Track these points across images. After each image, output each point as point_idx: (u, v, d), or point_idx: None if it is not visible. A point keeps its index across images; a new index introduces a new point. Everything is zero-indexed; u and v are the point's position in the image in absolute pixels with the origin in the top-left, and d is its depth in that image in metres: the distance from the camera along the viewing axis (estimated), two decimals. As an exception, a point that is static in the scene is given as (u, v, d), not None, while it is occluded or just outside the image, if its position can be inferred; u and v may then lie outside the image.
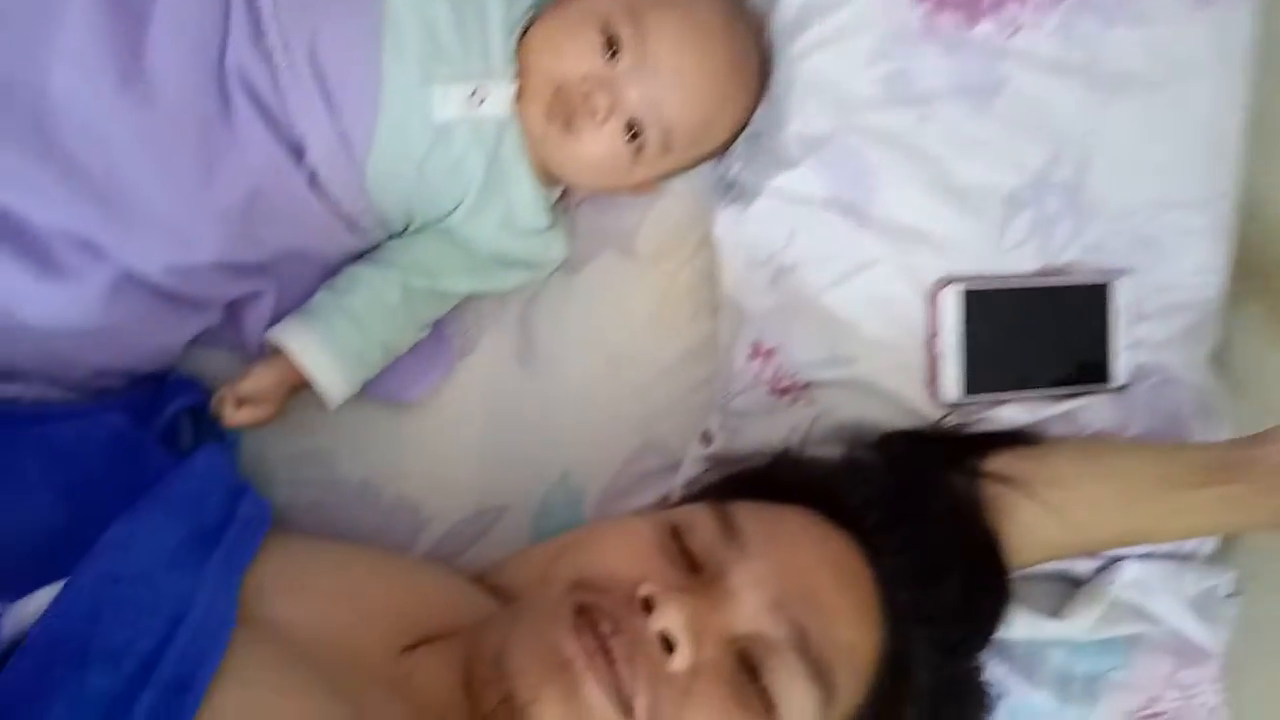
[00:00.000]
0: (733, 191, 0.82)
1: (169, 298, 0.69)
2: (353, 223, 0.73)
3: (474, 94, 0.71)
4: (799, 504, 0.65)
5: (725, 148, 0.82)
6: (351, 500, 0.79)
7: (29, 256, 0.64)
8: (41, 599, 0.50)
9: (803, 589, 0.58)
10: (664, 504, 0.80)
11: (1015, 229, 0.79)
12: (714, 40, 0.74)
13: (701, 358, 0.85)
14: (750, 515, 0.61)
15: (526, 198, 0.76)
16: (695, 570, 0.59)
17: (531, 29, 0.74)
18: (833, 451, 0.76)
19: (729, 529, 0.60)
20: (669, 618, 0.54)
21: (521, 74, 0.73)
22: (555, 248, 0.80)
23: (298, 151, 0.69)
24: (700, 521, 0.61)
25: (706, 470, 0.78)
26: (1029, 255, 0.80)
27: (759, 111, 0.81)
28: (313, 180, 0.70)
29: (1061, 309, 0.80)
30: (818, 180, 0.78)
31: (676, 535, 0.60)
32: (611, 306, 0.84)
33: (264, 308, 0.74)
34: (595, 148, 0.74)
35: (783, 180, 0.79)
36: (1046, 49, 0.78)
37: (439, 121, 0.71)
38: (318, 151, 0.69)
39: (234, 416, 0.71)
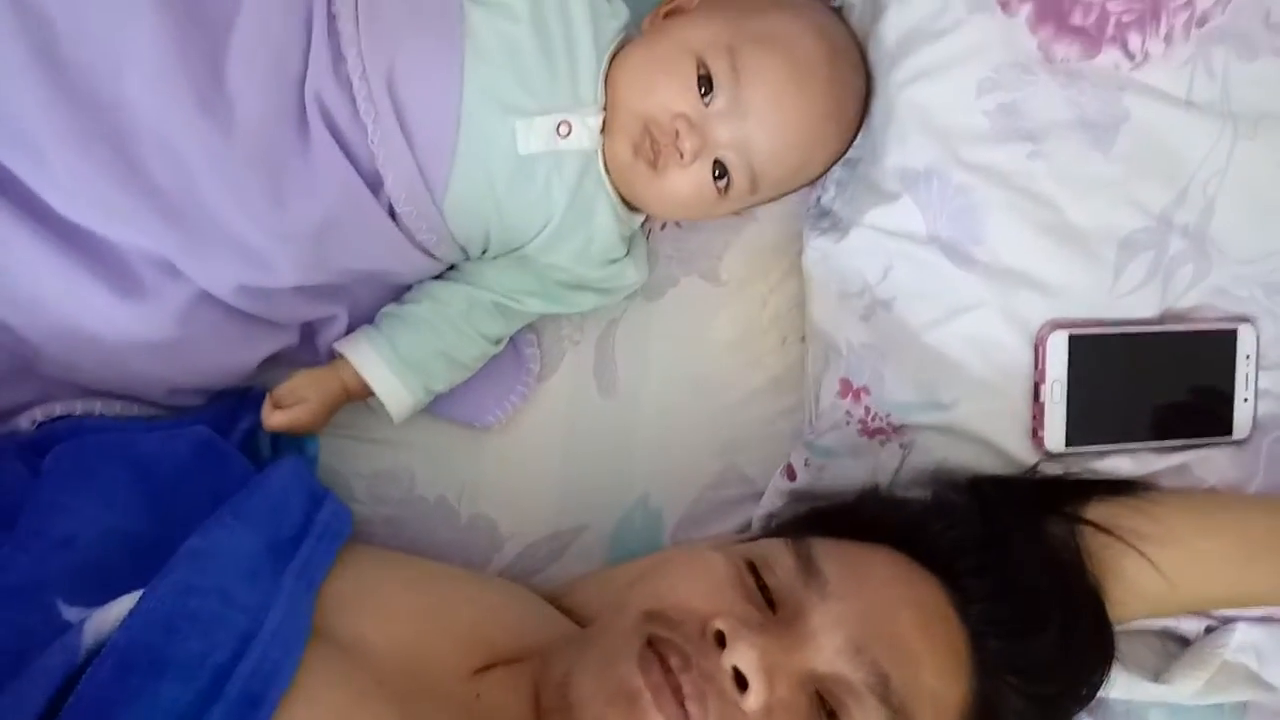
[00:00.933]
0: (825, 221, 0.80)
1: (244, 317, 0.69)
2: (429, 250, 0.72)
3: (559, 127, 0.70)
4: (885, 543, 0.63)
5: (818, 179, 0.80)
6: (429, 517, 0.79)
7: (107, 275, 0.64)
8: (122, 607, 0.51)
9: (885, 632, 0.56)
10: (744, 534, 0.78)
11: (1131, 273, 0.75)
12: (814, 83, 0.71)
13: (787, 386, 0.83)
14: (832, 554, 0.59)
15: (607, 228, 0.75)
16: (772, 607, 0.57)
17: (620, 58, 0.72)
18: (921, 494, 0.73)
19: (809, 567, 0.58)
20: (741, 655, 0.53)
21: (608, 105, 0.71)
22: (630, 274, 0.78)
23: (375, 183, 0.68)
24: (779, 558, 0.59)
25: (789, 504, 0.76)
26: (1146, 300, 0.76)
27: (856, 139, 0.78)
28: (390, 211, 0.69)
29: (1179, 356, 0.77)
30: (918, 216, 0.75)
31: (754, 570, 0.59)
32: (695, 332, 0.83)
33: (339, 328, 0.74)
34: (681, 186, 0.71)
35: (880, 214, 0.76)
36: (1175, 81, 0.74)
37: (523, 154, 0.69)
38: (396, 184, 0.68)
39: (270, 418, 0.71)
